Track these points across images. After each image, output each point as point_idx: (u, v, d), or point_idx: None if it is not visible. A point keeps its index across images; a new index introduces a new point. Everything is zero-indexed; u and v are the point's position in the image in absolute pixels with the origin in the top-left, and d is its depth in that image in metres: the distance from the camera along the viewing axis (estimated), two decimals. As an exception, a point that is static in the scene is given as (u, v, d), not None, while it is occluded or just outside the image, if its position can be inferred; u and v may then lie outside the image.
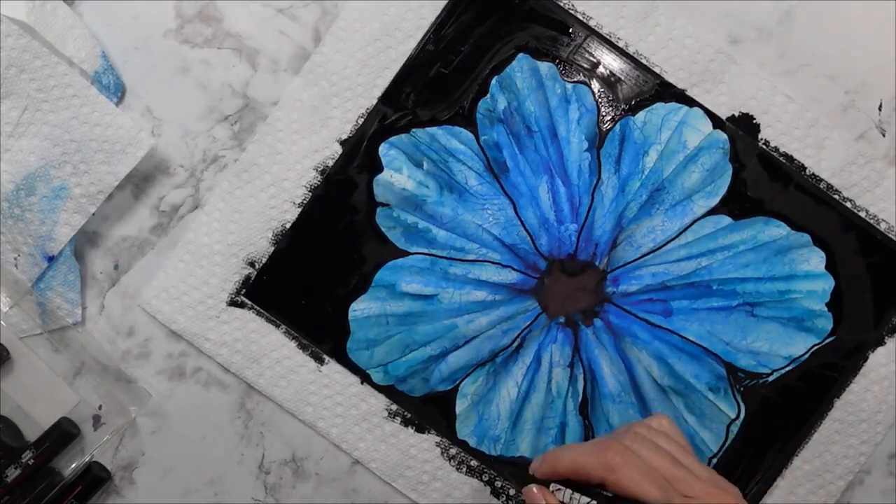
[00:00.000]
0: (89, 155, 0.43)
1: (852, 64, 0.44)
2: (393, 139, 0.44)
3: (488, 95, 0.44)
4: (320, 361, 0.45)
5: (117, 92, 0.44)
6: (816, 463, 0.44)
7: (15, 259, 0.43)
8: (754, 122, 0.44)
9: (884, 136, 0.45)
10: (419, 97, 0.44)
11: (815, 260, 0.44)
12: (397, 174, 0.44)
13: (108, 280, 0.45)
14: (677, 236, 0.44)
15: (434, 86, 0.44)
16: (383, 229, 0.44)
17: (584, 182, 0.44)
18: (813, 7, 0.44)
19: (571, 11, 0.44)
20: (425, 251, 0.44)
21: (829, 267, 0.44)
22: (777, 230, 0.44)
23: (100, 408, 0.45)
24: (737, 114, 0.44)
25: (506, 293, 0.44)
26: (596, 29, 0.44)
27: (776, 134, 0.44)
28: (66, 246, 0.44)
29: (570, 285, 0.44)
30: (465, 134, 0.44)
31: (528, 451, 0.44)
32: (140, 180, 0.45)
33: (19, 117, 0.42)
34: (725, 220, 0.44)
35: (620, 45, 0.44)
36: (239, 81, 0.45)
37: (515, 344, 0.44)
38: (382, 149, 0.44)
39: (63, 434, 0.44)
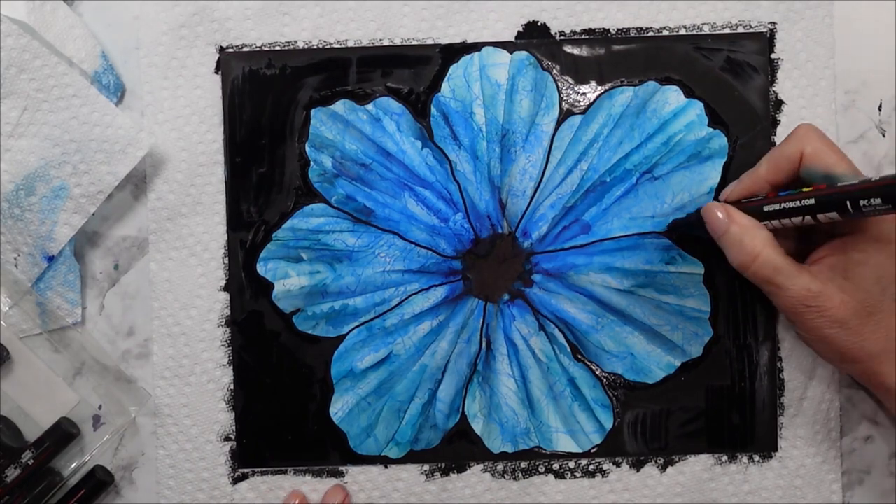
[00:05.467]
0: (89, 155, 0.43)
1: (852, 64, 0.44)
2: (262, 255, 0.44)
3: (311, 163, 0.44)
4: (340, 475, 0.45)
5: (117, 92, 0.44)
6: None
7: (15, 259, 0.44)
8: (539, 24, 0.44)
9: (884, 136, 0.45)
10: (259, 205, 0.44)
11: (673, 95, 0.44)
12: (288, 280, 0.44)
13: (108, 280, 0.45)
14: (547, 161, 0.44)
15: (264, 187, 0.44)
16: (309, 332, 0.44)
17: (440, 174, 0.44)
18: (813, 8, 0.45)
19: (326, 45, 0.44)
20: (356, 324, 0.44)
21: (689, 94, 0.44)
22: (623, 96, 0.44)
23: (100, 408, 0.45)
24: (521, 29, 0.44)
25: (445, 309, 0.44)
26: (357, 44, 0.44)
27: (564, 20, 0.44)
28: (66, 246, 0.44)
29: (492, 265, 0.44)
30: (317, 207, 0.44)
31: (560, 423, 0.44)
32: (139, 180, 0.45)
33: (19, 117, 0.42)
34: (576, 119, 0.44)
35: (386, 43, 0.44)
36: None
37: (484, 344, 0.44)
38: (260, 269, 0.44)
39: (63, 434, 0.43)
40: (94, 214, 0.44)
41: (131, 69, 0.45)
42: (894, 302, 0.37)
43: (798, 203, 0.36)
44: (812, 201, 0.36)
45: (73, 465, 0.44)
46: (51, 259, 0.44)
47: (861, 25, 0.44)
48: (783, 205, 0.37)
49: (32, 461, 0.43)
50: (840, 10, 0.44)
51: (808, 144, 0.38)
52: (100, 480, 0.44)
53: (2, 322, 0.44)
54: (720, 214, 0.38)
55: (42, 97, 0.42)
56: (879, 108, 0.45)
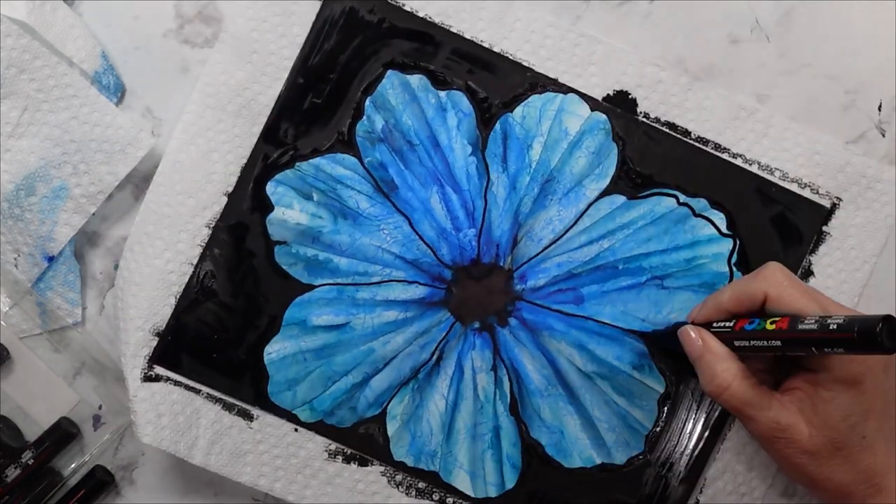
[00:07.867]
0: (89, 155, 0.43)
1: (852, 64, 0.44)
2: (278, 176, 0.44)
3: (364, 117, 0.44)
4: (249, 418, 0.44)
5: (117, 92, 0.44)
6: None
7: (15, 259, 0.43)
8: (630, 97, 0.44)
9: (884, 136, 0.45)
10: (298, 131, 0.44)
11: (716, 222, 0.44)
12: (289, 210, 0.44)
13: (108, 280, 0.45)
14: (575, 223, 0.44)
15: (310, 117, 0.44)
16: (284, 267, 0.44)
17: (475, 186, 0.44)
18: (813, 7, 0.44)
19: (430, 20, 0.44)
20: (330, 281, 0.44)
21: (732, 227, 0.44)
22: (671, 200, 0.44)
23: (100, 408, 0.45)
24: (611, 92, 0.44)
25: (416, 309, 0.44)
26: (459, 34, 0.44)
27: (654, 104, 0.44)
28: (66, 246, 0.44)
29: (479, 290, 0.44)
30: (349, 159, 0.44)
31: (466, 461, 0.44)
32: (140, 180, 0.45)
33: (19, 117, 0.42)
34: (620, 199, 0.44)
35: (485, 45, 0.44)
36: (241, 80, 0.44)
37: (435, 357, 0.44)
38: (269, 187, 0.44)
39: (63, 434, 0.44)
40: (94, 214, 0.43)
41: (131, 69, 0.44)
42: (863, 438, 0.37)
43: (765, 342, 0.37)
44: (778, 343, 0.36)
45: (73, 465, 0.45)
46: (51, 259, 0.43)
47: (861, 25, 0.44)
48: (752, 342, 0.37)
49: (32, 461, 0.43)
50: (840, 9, 0.44)
51: (773, 287, 0.37)
52: (100, 480, 0.44)
53: (2, 322, 0.44)
54: (695, 337, 0.39)
55: (42, 97, 0.42)
56: (879, 108, 0.45)
